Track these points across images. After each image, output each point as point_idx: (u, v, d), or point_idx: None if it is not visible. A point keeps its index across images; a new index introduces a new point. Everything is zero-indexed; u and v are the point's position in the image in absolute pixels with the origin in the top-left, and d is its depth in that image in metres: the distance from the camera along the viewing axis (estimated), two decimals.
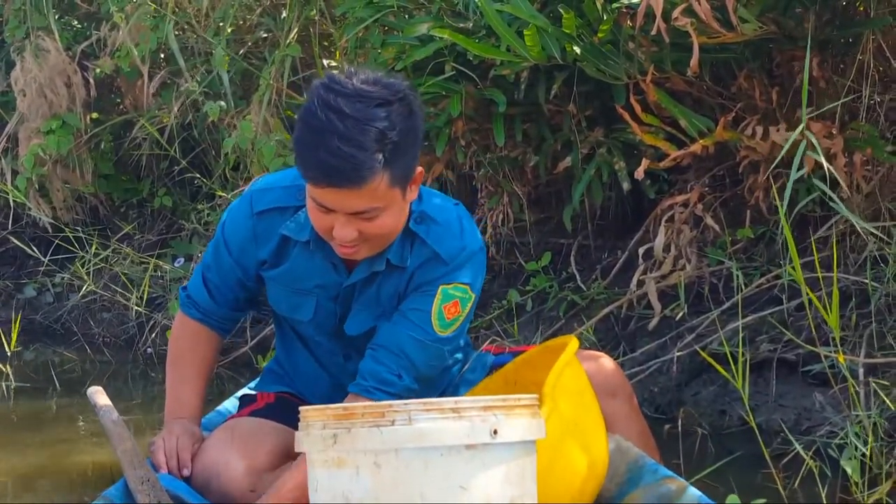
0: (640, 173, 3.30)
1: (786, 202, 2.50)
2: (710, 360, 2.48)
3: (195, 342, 2.39)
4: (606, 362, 2.41)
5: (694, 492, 1.97)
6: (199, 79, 5.11)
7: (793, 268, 2.40)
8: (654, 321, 3.61)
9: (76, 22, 5.83)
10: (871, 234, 3.00)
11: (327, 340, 2.35)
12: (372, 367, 2.15)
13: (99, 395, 2.35)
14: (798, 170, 2.56)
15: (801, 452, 2.49)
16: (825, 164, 2.61)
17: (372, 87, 1.94)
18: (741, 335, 2.78)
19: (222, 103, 4.84)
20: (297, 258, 2.23)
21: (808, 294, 2.36)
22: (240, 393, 2.74)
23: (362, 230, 2.01)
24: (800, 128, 2.59)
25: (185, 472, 2.20)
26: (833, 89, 3.34)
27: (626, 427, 2.34)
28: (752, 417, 2.49)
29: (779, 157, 2.79)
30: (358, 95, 1.92)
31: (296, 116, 2.15)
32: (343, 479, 1.65)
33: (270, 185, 2.26)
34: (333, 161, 1.89)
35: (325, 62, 4.56)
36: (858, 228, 2.98)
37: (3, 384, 3.50)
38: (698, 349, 3.19)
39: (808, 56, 2.70)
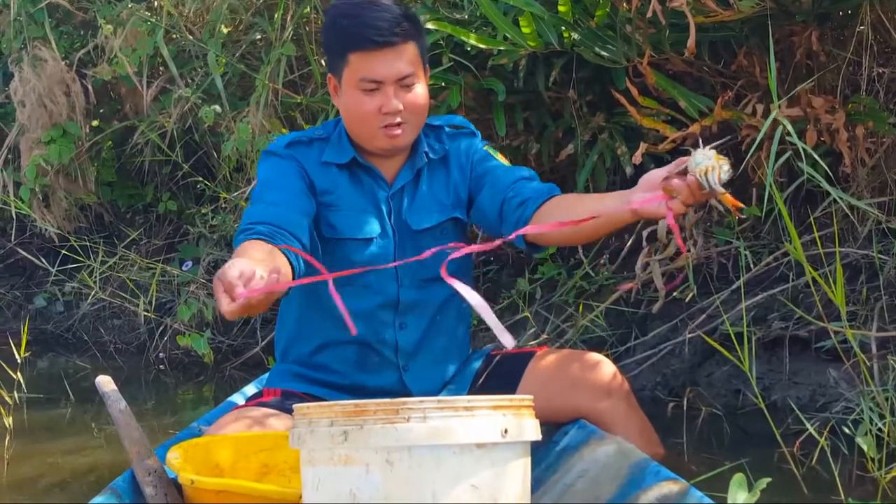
0: (637, 158, 3.27)
1: (770, 178, 2.47)
2: (714, 344, 2.45)
3: (265, 249, 2.07)
4: (601, 363, 2.45)
5: (696, 493, 1.95)
6: (198, 82, 5.09)
7: (794, 248, 2.37)
8: (659, 304, 3.58)
9: (72, 29, 5.80)
10: (875, 209, 2.98)
11: (384, 264, 2.29)
12: (529, 189, 2.42)
13: (107, 385, 2.33)
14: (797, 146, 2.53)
15: (814, 434, 2.46)
16: (828, 140, 2.58)
17: None
18: (745, 318, 2.76)
19: (216, 107, 4.80)
20: (344, 184, 2.40)
21: (810, 272, 2.34)
22: (245, 390, 2.74)
23: (405, 102, 2.30)
24: (771, 113, 2.56)
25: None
26: (833, 63, 3.32)
27: (625, 425, 2.35)
28: (761, 398, 2.46)
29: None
30: None
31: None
32: (351, 477, 1.61)
33: (279, 138, 2.47)
34: (380, 23, 2.26)
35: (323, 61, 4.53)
36: (863, 206, 2.95)
37: (16, 394, 3.49)
38: (703, 334, 3.16)
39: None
